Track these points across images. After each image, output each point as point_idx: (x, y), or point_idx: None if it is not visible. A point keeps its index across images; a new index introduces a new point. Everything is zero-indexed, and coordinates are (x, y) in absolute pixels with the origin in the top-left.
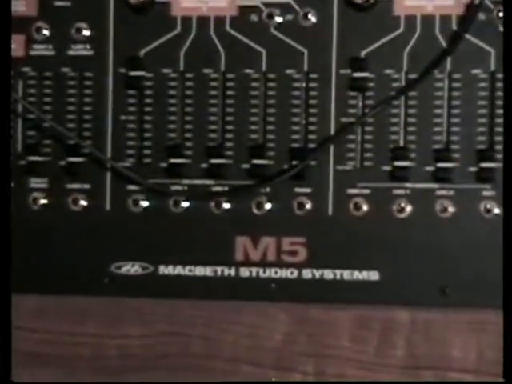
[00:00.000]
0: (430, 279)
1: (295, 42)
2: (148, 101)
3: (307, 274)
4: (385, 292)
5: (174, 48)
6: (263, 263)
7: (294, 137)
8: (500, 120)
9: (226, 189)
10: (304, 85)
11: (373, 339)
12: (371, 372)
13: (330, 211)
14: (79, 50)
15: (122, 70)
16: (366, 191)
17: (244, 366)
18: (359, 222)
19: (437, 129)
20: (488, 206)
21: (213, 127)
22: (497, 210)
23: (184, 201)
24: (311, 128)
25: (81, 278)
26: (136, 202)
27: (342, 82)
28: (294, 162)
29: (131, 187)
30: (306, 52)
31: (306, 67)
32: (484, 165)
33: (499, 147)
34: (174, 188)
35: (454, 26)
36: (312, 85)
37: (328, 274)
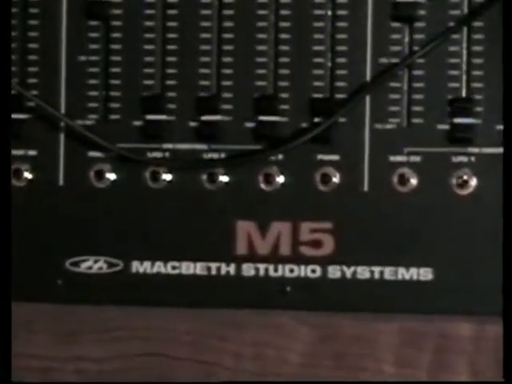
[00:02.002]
0: None
1: None
2: (116, 35)
3: (335, 272)
4: (441, 297)
5: None
6: (274, 258)
7: (316, 84)
8: None
9: (223, 156)
10: (329, 13)
11: (424, 361)
12: None
13: (366, 186)
14: None
15: None
16: (416, 159)
17: None
18: (406, 201)
19: None
20: None
21: (205, 71)
22: None
23: (166, 172)
24: (339, 72)
25: (25, 278)
26: (100, 175)
27: (382, 8)
28: (316, 119)
29: (93, 154)
30: None
31: None
32: None
33: None
34: (151, 155)
35: None
36: (340, 12)
37: (363, 273)
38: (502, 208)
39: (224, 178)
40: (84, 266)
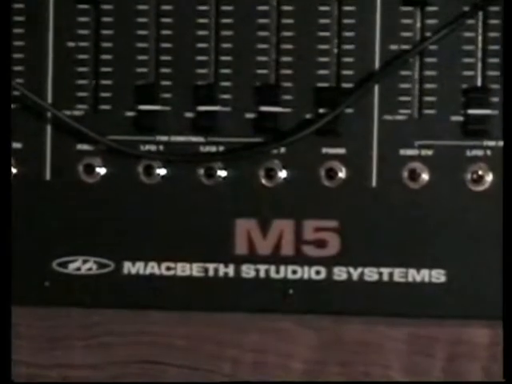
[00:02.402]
0: None
1: None
2: (107, 20)
3: (340, 273)
4: (454, 300)
5: None
6: (276, 258)
7: (322, 72)
8: None
9: (222, 149)
10: None
11: (436, 369)
12: None
13: (374, 182)
14: None
15: None
16: (428, 152)
17: None
18: (417, 198)
19: None
20: None
21: (202, 58)
22: None
23: (160, 166)
24: (346, 60)
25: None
26: (90, 169)
27: None
28: (321, 110)
29: (82, 147)
30: None
31: None
32: None
33: None
34: (144, 148)
35: None
36: None
37: (371, 275)
38: (503, 208)
39: (222, 173)
40: (72, 267)
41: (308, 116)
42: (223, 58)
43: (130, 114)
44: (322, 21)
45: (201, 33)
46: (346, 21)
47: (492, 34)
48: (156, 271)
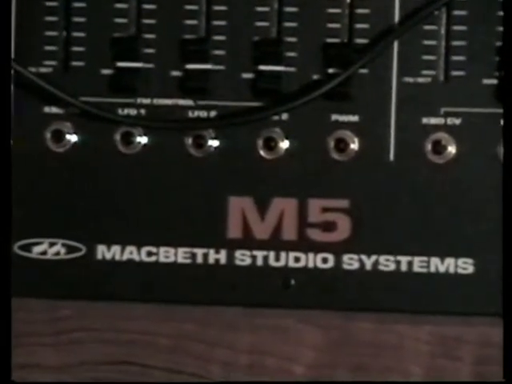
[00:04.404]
0: None
1: None
2: None
3: (351, 262)
4: (484, 294)
5: None
6: (276, 244)
7: (331, 26)
8: None
9: (214, 114)
10: None
11: (462, 374)
12: None
13: (392, 155)
14: None
15: None
16: (455, 121)
17: None
18: (442, 175)
19: None
20: None
21: (191, 8)
22: None
23: (141, 134)
24: (360, 11)
25: None
26: (59, 136)
27: None
28: (331, 70)
29: (50, 110)
30: None
31: None
32: None
33: None
34: (123, 112)
35: None
36: None
37: (387, 264)
38: (502, 207)
39: (214, 143)
40: (36, 251)
41: (315, 77)
42: (216, 7)
43: (106, 71)
44: None
45: None
46: None
47: None
48: (135, 257)
